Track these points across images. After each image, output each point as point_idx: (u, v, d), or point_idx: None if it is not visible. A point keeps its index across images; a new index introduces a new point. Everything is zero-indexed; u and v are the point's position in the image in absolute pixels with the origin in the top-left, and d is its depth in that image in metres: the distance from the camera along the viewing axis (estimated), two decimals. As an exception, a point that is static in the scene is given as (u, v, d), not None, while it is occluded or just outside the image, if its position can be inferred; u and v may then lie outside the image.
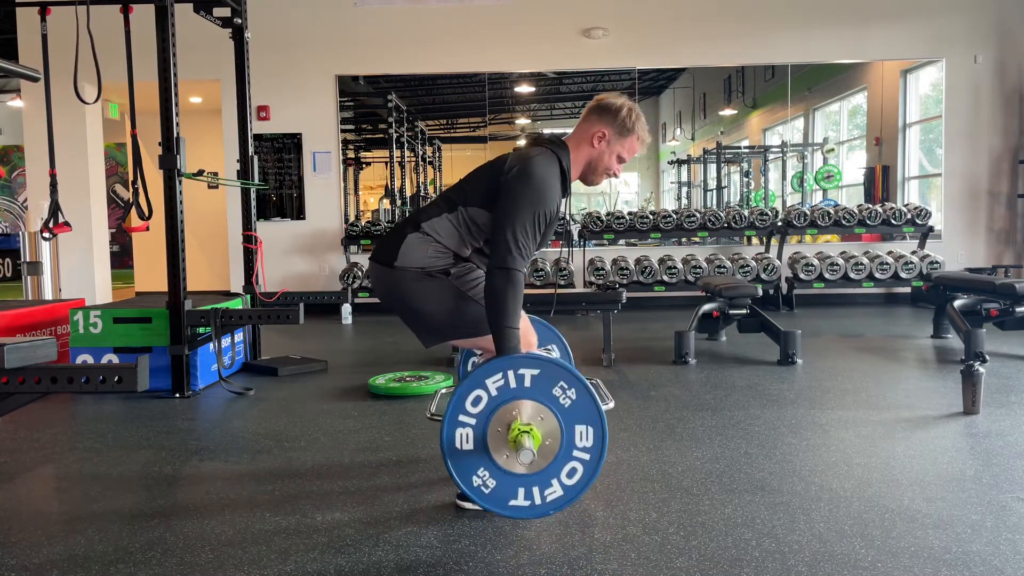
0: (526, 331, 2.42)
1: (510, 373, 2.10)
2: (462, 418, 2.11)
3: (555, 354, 2.87)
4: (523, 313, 2.44)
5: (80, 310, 4.11)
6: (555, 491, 2.13)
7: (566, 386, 2.10)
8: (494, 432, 2.10)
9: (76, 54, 3.94)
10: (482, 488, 2.12)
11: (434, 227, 2.33)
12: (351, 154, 8.05)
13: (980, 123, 7.66)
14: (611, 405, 2.25)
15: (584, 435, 2.11)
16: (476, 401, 2.10)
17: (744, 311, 4.85)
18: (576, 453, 2.12)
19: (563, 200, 2.37)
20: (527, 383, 2.10)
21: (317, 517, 2.30)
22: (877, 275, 7.13)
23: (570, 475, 2.12)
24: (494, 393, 2.10)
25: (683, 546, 2.05)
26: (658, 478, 2.59)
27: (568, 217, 7.63)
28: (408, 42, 7.63)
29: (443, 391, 2.71)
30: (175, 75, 3.95)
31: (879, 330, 5.90)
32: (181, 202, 3.96)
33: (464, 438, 2.11)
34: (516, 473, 2.11)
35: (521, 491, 2.12)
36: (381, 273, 2.37)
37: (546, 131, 8.30)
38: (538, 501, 2.13)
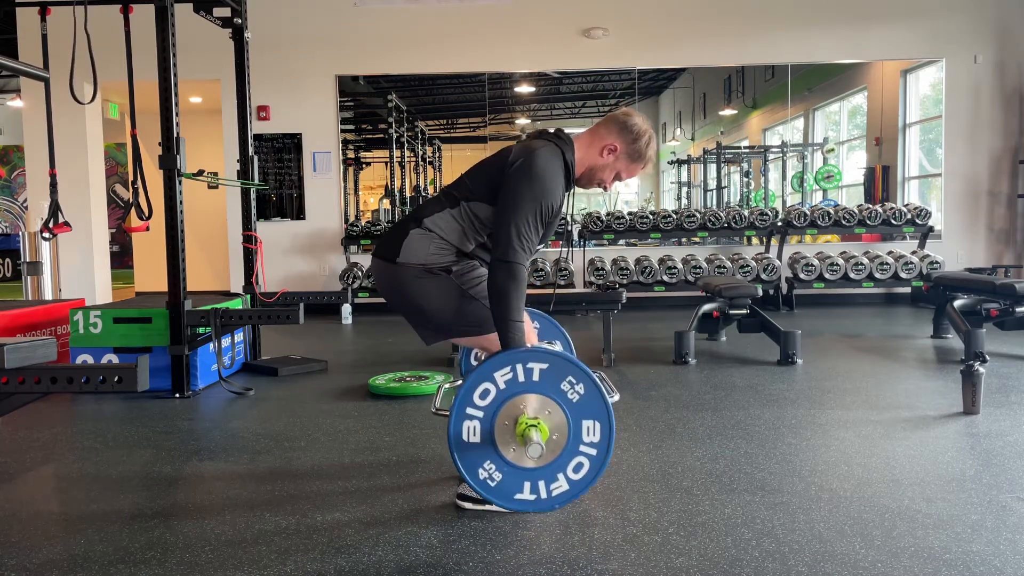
0: (527, 326, 2.43)
1: (519, 367, 2.09)
2: (470, 411, 2.11)
3: (558, 348, 2.87)
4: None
5: (80, 310, 4.11)
6: (561, 485, 2.12)
7: (574, 381, 2.10)
8: (501, 425, 2.10)
9: (73, 54, 3.94)
10: (488, 481, 2.12)
11: (436, 223, 2.33)
12: (351, 154, 8.05)
13: (980, 123, 7.66)
14: (616, 398, 2.25)
15: (591, 430, 2.11)
16: (484, 394, 2.10)
17: (744, 311, 4.85)
18: (583, 448, 2.11)
19: (566, 195, 2.37)
20: (535, 377, 2.10)
21: (317, 517, 2.30)
22: (877, 275, 7.13)
23: (576, 470, 2.12)
24: (502, 386, 2.10)
25: (683, 546, 2.05)
26: (658, 478, 2.58)
27: (568, 217, 7.64)
28: (408, 42, 7.63)
29: (446, 386, 2.71)
30: (175, 75, 3.95)
31: (879, 330, 5.90)
32: (181, 202, 3.96)
33: (471, 431, 2.11)
34: (522, 467, 2.11)
35: (527, 485, 2.12)
36: (383, 269, 2.37)
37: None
38: (543, 495, 2.13)
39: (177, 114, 3.95)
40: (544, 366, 2.09)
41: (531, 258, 2.27)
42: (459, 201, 2.34)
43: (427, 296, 2.32)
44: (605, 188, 2.47)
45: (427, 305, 2.33)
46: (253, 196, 4.88)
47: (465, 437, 2.11)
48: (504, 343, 2.16)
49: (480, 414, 2.11)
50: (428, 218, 2.34)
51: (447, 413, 2.16)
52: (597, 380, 2.13)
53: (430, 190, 8.43)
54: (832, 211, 7.37)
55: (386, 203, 8.27)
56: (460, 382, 2.39)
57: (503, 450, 2.11)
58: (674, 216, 7.49)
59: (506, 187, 2.24)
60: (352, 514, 2.32)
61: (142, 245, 9.70)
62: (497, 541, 2.11)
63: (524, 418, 2.08)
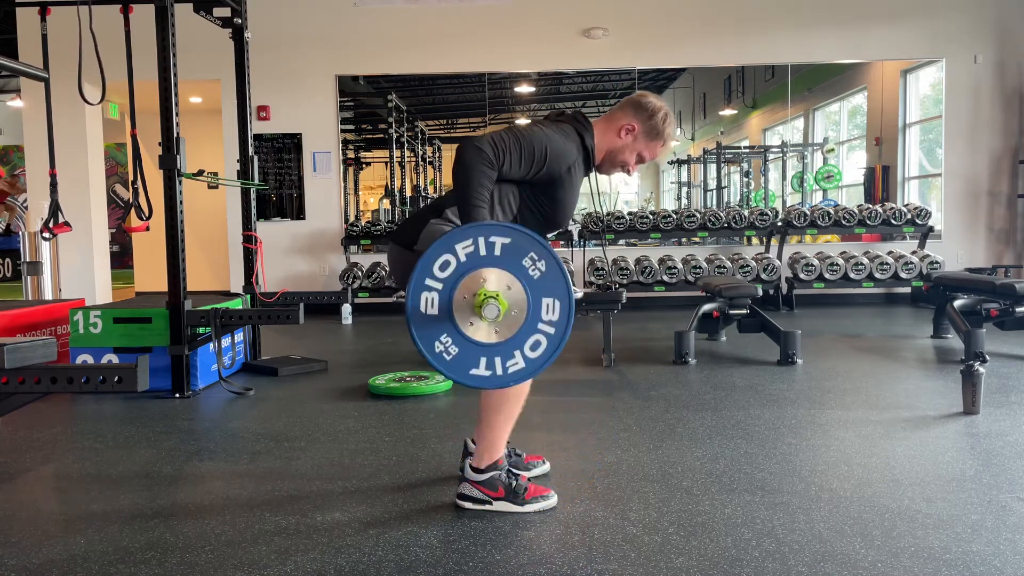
0: None
1: (480, 240, 2.03)
2: (429, 282, 2.04)
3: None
4: None
5: (80, 310, 4.11)
6: (517, 363, 2.06)
7: (536, 257, 2.04)
8: (460, 299, 2.03)
9: (80, 55, 3.94)
10: (444, 355, 2.05)
11: (457, 213, 2.32)
12: (351, 154, 8.05)
13: (980, 123, 7.66)
14: (579, 295, 2.18)
15: (551, 308, 2.05)
16: (444, 266, 2.03)
17: (744, 311, 4.84)
18: (541, 326, 2.05)
19: (584, 178, 2.35)
20: (497, 251, 2.03)
21: (317, 517, 2.30)
22: (877, 275, 7.13)
23: (534, 348, 2.06)
24: (463, 259, 2.03)
25: (683, 546, 2.05)
26: (658, 478, 2.58)
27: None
28: (408, 42, 7.63)
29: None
30: (175, 75, 3.95)
31: (879, 330, 5.90)
32: (181, 202, 3.96)
33: (429, 302, 2.04)
34: (479, 342, 2.05)
35: (483, 360, 2.06)
36: (401, 254, 2.35)
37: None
38: (499, 372, 2.06)
39: (177, 114, 3.95)
40: (507, 240, 2.03)
41: (497, 167, 2.20)
42: None
43: None
44: (629, 171, 2.46)
45: None
46: (253, 196, 4.88)
47: (423, 308, 2.03)
48: (467, 218, 2.11)
49: (439, 286, 2.04)
50: (449, 209, 2.33)
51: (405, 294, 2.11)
52: (560, 258, 2.09)
53: (430, 190, 8.44)
54: (832, 211, 7.37)
55: (386, 203, 8.27)
56: None
57: (461, 324, 2.04)
58: (674, 216, 7.49)
59: None
60: (352, 514, 2.32)
61: (142, 245, 9.70)
62: (497, 541, 2.11)
63: (483, 290, 2.02)
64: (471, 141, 2.12)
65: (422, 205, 8.08)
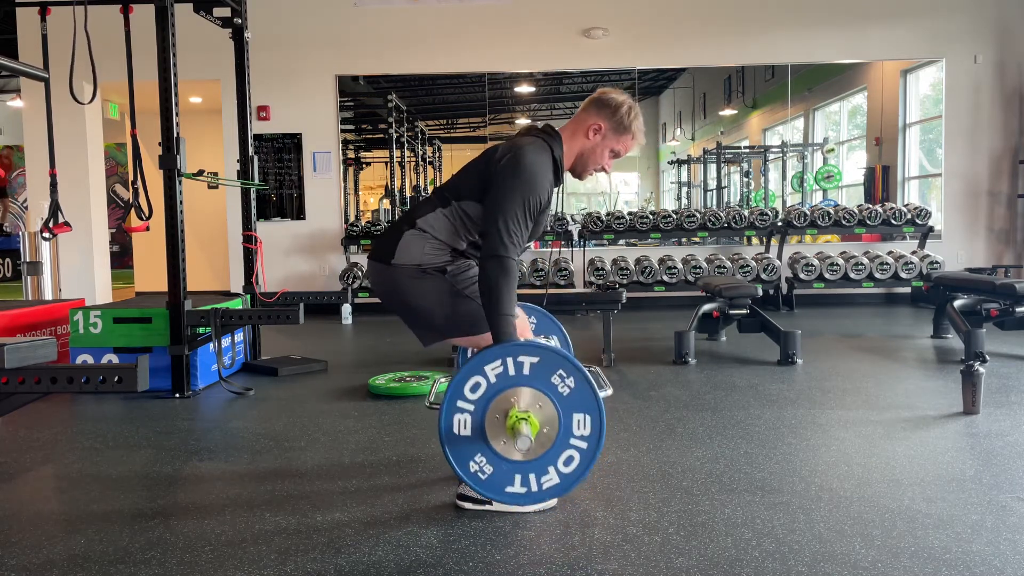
0: (521, 320, 2.42)
1: (509, 360, 2.09)
2: (460, 404, 2.10)
3: (554, 343, 2.87)
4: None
5: (80, 310, 4.11)
6: (551, 479, 2.12)
7: (565, 374, 2.10)
8: (492, 419, 2.09)
9: (72, 54, 3.94)
10: (479, 474, 2.11)
11: (429, 223, 2.35)
12: (351, 154, 8.05)
13: (980, 123, 7.66)
14: (609, 392, 2.24)
15: (582, 423, 2.10)
16: (475, 388, 2.09)
17: (744, 311, 4.85)
18: (573, 441, 2.10)
19: (554, 190, 2.37)
20: (526, 371, 2.09)
21: (317, 517, 2.30)
22: (877, 275, 7.13)
23: (567, 463, 2.11)
24: (493, 380, 2.09)
25: (683, 546, 2.05)
26: (658, 478, 2.58)
27: (568, 217, 7.65)
28: (408, 42, 7.63)
29: (442, 380, 2.71)
30: (175, 75, 3.95)
31: (879, 330, 5.90)
32: (181, 202, 3.96)
33: (462, 424, 2.10)
34: (513, 460, 2.10)
35: (518, 478, 2.11)
36: (380, 271, 2.38)
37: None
38: (534, 488, 2.12)
39: (177, 114, 3.95)
40: (535, 360, 2.09)
41: (521, 253, 2.27)
42: (450, 200, 2.35)
43: (423, 296, 2.33)
44: (606, 170, 2.47)
45: (423, 305, 2.34)
46: (253, 196, 4.88)
47: (456, 430, 2.10)
48: (495, 337, 2.15)
49: (471, 407, 2.10)
50: (421, 219, 2.35)
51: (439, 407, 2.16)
52: (587, 373, 2.12)
53: (430, 190, 8.44)
54: (832, 211, 7.37)
55: (386, 203, 8.27)
56: None
57: (494, 443, 2.10)
58: (674, 216, 7.49)
59: (494, 184, 2.25)
60: (352, 514, 2.32)
61: (142, 245, 9.70)
62: (497, 541, 2.11)
63: (515, 411, 2.07)
64: (494, 252, 2.16)
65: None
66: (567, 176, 2.47)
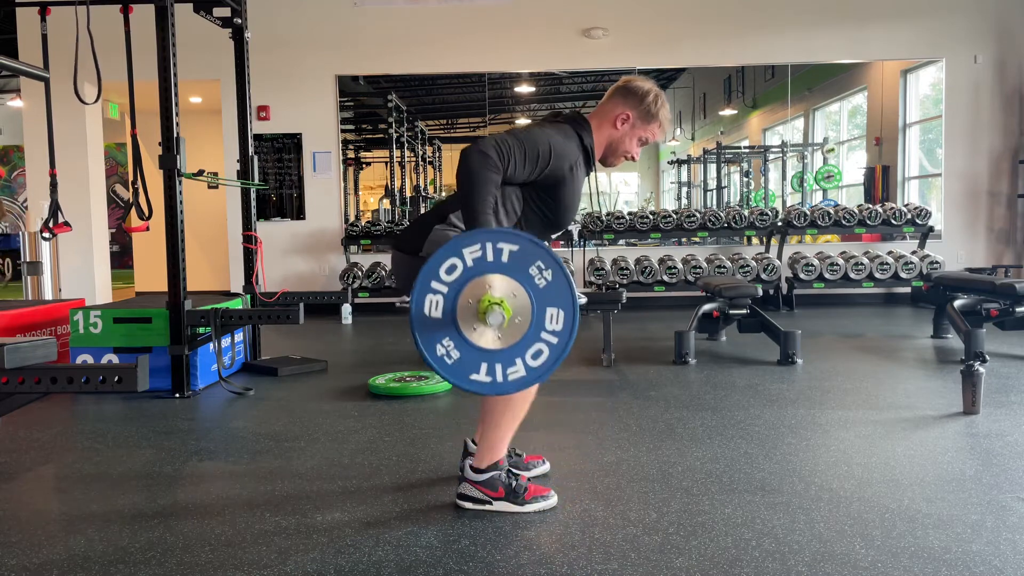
0: None
1: (488, 245, 2.02)
2: (434, 284, 2.02)
3: None
4: None
5: (80, 310, 4.11)
6: (518, 371, 2.05)
7: (543, 266, 2.03)
8: (464, 303, 2.02)
9: (76, 54, 3.94)
10: (445, 358, 2.04)
11: (461, 217, 2.31)
12: (351, 154, 8.05)
13: (980, 123, 7.66)
14: (583, 300, 2.19)
15: (555, 318, 2.04)
16: (451, 269, 2.02)
17: (744, 311, 4.84)
18: (544, 335, 2.04)
19: (585, 178, 2.35)
20: (504, 258, 2.02)
21: (317, 517, 2.30)
22: (877, 275, 7.13)
23: (535, 356, 2.05)
24: (469, 264, 2.02)
25: (683, 546, 2.05)
26: (658, 478, 2.58)
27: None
28: (408, 42, 7.63)
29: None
30: (175, 75, 3.94)
31: (879, 330, 5.90)
32: (181, 202, 3.96)
33: (434, 305, 2.03)
34: (481, 347, 2.03)
35: (484, 366, 2.05)
36: (406, 262, 2.34)
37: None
38: (499, 379, 2.05)
39: (177, 114, 3.95)
40: (514, 247, 2.01)
41: (508, 176, 2.19)
42: None
43: None
44: (633, 158, 2.46)
45: None
46: (253, 196, 4.88)
47: (427, 311, 2.02)
48: (472, 221, 2.10)
49: (444, 289, 2.02)
50: (453, 214, 2.32)
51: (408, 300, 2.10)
52: (566, 268, 2.08)
53: (430, 190, 8.44)
54: (832, 211, 7.37)
55: (386, 203, 8.27)
56: None
57: (464, 328, 2.03)
58: (674, 216, 7.49)
59: None
60: (352, 514, 2.32)
61: (142, 245, 9.69)
62: (497, 541, 2.11)
63: (488, 296, 2.01)
64: (475, 146, 2.12)
65: (423, 208, 8.10)
66: None
